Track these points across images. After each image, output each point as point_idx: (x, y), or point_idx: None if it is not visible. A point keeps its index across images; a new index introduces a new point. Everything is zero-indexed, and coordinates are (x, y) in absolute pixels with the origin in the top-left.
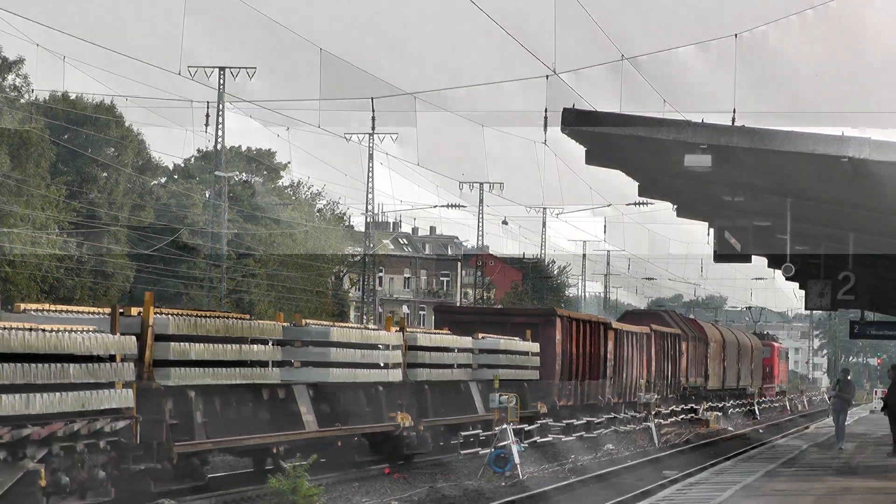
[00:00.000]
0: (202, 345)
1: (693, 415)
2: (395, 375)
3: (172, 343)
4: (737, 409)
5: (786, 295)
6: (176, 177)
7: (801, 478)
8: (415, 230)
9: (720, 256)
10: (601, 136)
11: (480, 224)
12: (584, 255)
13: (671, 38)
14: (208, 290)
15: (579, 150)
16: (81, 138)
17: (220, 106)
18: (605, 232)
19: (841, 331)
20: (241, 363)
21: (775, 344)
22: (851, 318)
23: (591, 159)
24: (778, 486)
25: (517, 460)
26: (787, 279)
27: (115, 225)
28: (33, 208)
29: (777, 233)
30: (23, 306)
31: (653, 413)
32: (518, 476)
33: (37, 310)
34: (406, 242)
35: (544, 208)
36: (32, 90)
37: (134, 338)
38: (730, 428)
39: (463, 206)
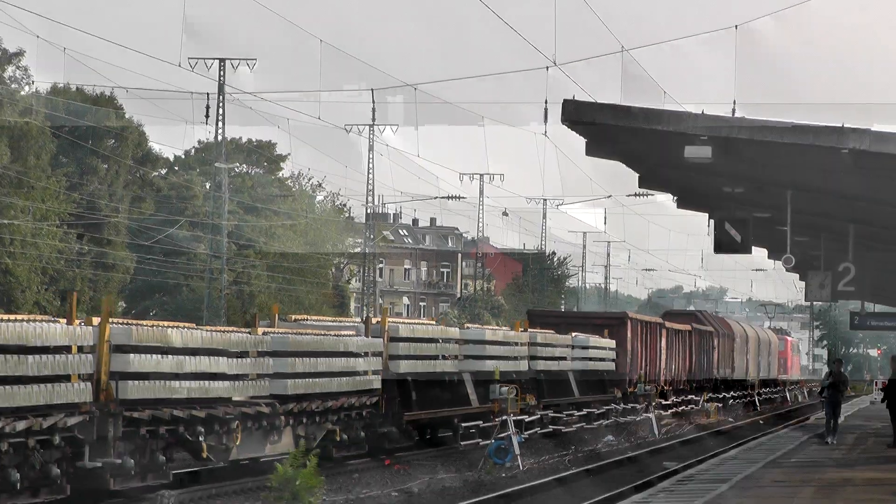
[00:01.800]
0: (416, 343)
1: (693, 406)
2: (523, 365)
3: (401, 343)
4: (737, 401)
5: (785, 286)
6: (176, 168)
7: (802, 469)
8: (415, 221)
9: (720, 248)
10: (601, 127)
11: (481, 215)
12: (585, 247)
13: (671, 29)
14: (209, 281)
15: (580, 142)
16: (82, 130)
17: (221, 98)
18: (605, 223)
19: (841, 322)
20: (434, 357)
21: (788, 338)
22: (852, 308)
23: (592, 151)
24: (778, 476)
25: (517, 451)
26: (788, 270)
27: (115, 216)
28: (34, 200)
29: (777, 224)
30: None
31: (653, 404)
32: (518, 467)
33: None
34: (406, 234)
35: (544, 199)
36: (33, 82)
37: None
38: (730, 419)
39: (463, 198)
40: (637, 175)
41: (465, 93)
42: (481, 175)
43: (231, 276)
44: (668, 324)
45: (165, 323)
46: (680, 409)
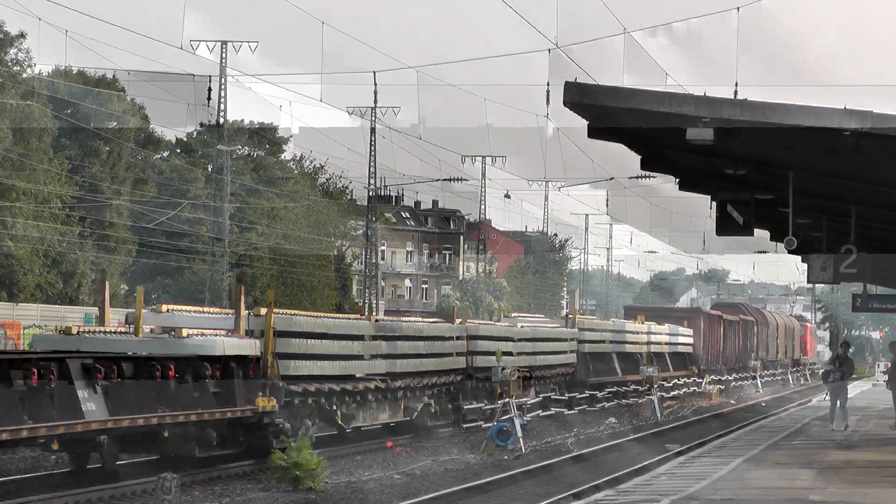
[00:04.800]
0: (591, 332)
1: (696, 388)
2: (644, 348)
3: (586, 332)
4: (740, 382)
5: (787, 268)
6: (178, 151)
7: (804, 451)
8: (417, 204)
9: (723, 230)
10: (603, 109)
11: (483, 198)
12: (587, 229)
13: (673, 11)
14: (210, 264)
15: (582, 124)
16: (83, 113)
17: (223, 80)
18: (607, 205)
19: (843, 304)
20: (602, 342)
21: (808, 324)
22: (854, 291)
23: (594, 133)
24: (780, 458)
25: (519, 434)
26: (790, 252)
27: (117, 199)
28: (35, 183)
29: (779, 206)
30: None
31: (655, 386)
32: (520, 449)
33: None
34: (408, 216)
35: (546, 182)
36: (35, 64)
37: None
38: (732, 401)
39: (465, 180)
40: (639, 157)
41: (467, 75)
42: (483, 157)
43: (233, 258)
44: (725, 316)
45: (315, 313)
46: (682, 391)
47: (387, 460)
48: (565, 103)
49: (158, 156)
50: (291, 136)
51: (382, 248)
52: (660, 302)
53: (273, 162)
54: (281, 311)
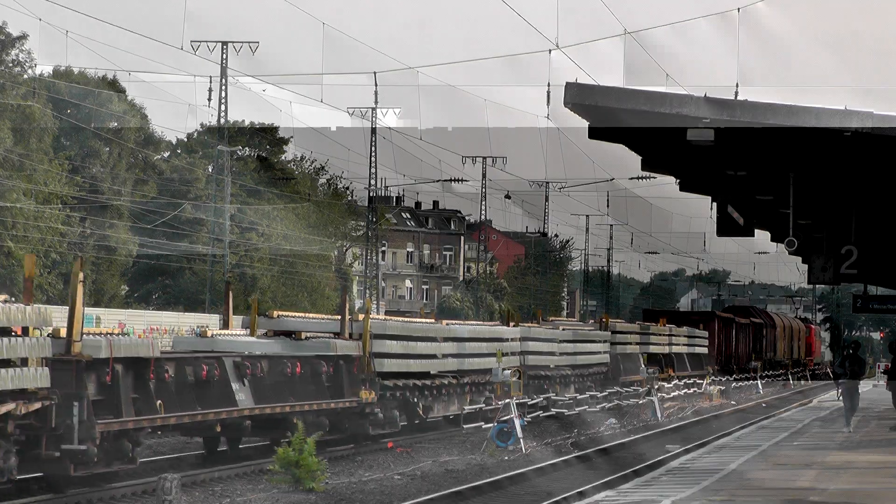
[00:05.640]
0: (621, 335)
1: (696, 389)
2: (665, 349)
3: (618, 335)
4: (740, 383)
5: (788, 269)
6: (179, 151)
7: (804, 452)
8: (418, 205)
9: (723, 231)
10: (604, 110)
11: (483, 199)
12: (587, 230)
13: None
14: (211, 264)
15: (582, 125)
16: (84, 113)
17: (223, 80)
18: (607, 206)
19: (844, 305)
20: (629, 343)
21: (812, 326)
22: (854, 292)
23: (595, 134)
24: (780, 460)
25: (520, 434)
26: (791, 253)
27: (117, 199)
28: (36, 183)
29: (780, 207)
30: None
31: (655, 387)
32: (521, 450)
33: None
34: (409, 217)
35: (547, 182)
36: (35, 65)
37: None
38: (733, 402)
39: (466, 181)
40: (640, 158)
41: (467, 76)
42: (484, 158)
43: (233, 259)
44: (737, 319)
45: (403, 318)
46: (682, 391)
47: (387, 461)
48: (566, 104)
49: (159, 156)
50: (292, 137)
51: (383, 248)
52: (659, 304)
53: (274, 162)
54: (377, 316)
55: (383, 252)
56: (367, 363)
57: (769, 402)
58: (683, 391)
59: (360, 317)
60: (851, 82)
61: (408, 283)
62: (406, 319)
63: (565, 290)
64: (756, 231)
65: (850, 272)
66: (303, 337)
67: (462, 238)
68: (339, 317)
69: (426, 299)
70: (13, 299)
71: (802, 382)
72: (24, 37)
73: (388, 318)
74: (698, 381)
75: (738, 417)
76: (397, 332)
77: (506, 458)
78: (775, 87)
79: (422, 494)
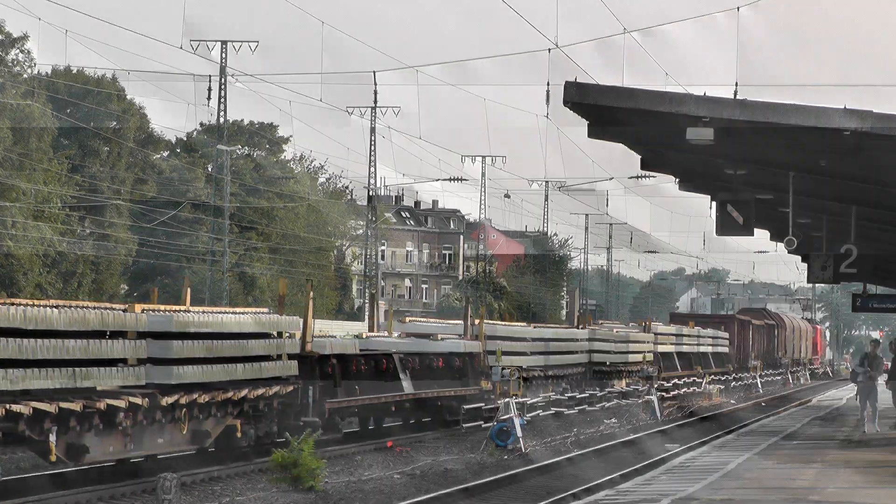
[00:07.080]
0: (666, 336)
1: (696, 388)
2: (694, 349)
3: (660, 335)
4: (740, 383)
5: (787, 268)
6: (178, 150)
7: (803, 451)
8: (417, 204)
9: (723, 230)
10: (603, 109)
11: (483, 198)
12: (587, 229)
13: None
14: (211, 263)
15: (582, 124)
16: (83, 112)
17: (223, 80)
18: (607, 205)
19: (843, 304)
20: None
21: (818, 326)
22: (854, 291)
23: (594, 133)
24: (780, 459)
25: (519, 434)
26: (790, 252)
27: (117, 199)
28: (35, 183)
29: (779, 206)
30: None
31: (655, 386)
32: (520, 449)
33: None
34: (408, 216)
35: (546, 182)
36: (35, 65)
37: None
38: (732, 401)
39: (465, 180)
40: (639, 157)
41: (466, 75)
42: (483, 157)
43: (233, 258)
44: (754, 321)
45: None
46: (682, 391)
47: (386, 460)
48: (565, 103)
49: (158, 156)
50: (291, 136)
51: (382, 247)
52: (658, 303)
53: (273, 162)
54: (490, 321)
55: (383, 251)
56: (483, 359)
57: (768, 401)
58: (683, 390)
59: (477, 321)
60: (851, 82)
61: (407, 282)
62: (505, 323)
63: (565, 289)
64: (755, 230)
65: (850, 271)
66: (439, 338)
67: (461, 237)
68: (462, 321)
69: (425, 298)
70: (269, 311)
71: (802, 382)
72: (25, 37)
73: (496, 322)
74: (720, 378)
75: (737, 417)
76: (503, 334)
77: (505, 457)
78: (775, 86)
79: (421, 493)
